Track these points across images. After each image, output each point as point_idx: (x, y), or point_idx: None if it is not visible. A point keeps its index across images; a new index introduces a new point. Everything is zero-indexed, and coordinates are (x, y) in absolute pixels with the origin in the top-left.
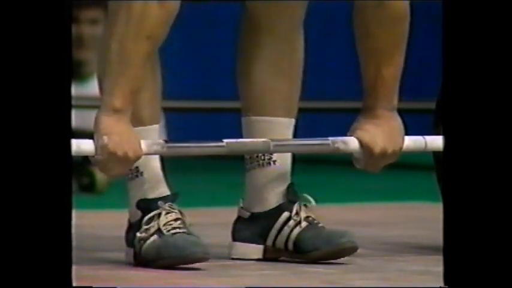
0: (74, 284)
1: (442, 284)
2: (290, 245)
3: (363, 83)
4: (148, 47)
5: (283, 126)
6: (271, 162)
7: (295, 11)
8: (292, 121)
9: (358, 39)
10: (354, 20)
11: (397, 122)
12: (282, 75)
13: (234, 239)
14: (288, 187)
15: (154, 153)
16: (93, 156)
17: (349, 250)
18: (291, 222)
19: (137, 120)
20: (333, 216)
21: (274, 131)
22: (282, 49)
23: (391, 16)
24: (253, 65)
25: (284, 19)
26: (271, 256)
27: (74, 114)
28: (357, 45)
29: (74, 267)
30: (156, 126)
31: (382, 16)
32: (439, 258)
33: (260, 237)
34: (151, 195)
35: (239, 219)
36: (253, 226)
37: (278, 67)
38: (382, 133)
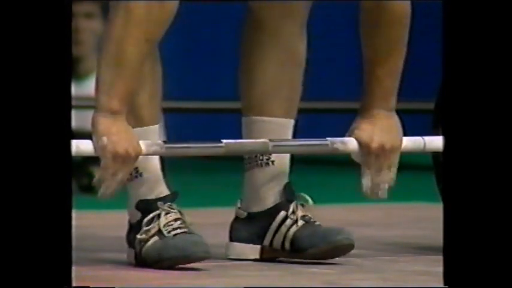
0: (74, 284)
1: (442, 284)
2: (287, 245)
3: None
4: (146, 48)
5: (283, 127)
6: (270, 163)
7: (299, 12)
8: (292, 122)
9: (361, 40)
10: (359, 23)
11: (394, 120)
12: (284, 76)
13: (231, 239)
14: (285, 186)
15: (153, 154)
16: (94, 157)
17: (346, 247)
18: (288, 221)
19: (137, 121)
20: (333, 216)
21: (274, 132)
22: (284, 50)
23: (388, 17)
24: (255, 65)
25: (287, 20)
26: (268, 256)
27: (73, 115)
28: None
29: (74, 268)
30: (156, 126)
31: (378, 17)
32: (439, 259)
33: (257, 237)
34: (150, 196)
35: (236, 219)
36: (251, 226)
37: (280, 68)
38: (378, 130)
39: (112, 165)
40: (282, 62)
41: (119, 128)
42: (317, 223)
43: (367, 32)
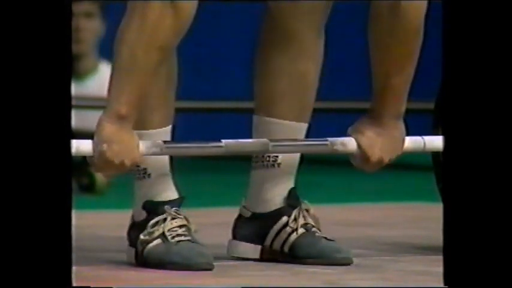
0: (74, 284)
1: (442, 284)
2: (286, 249)
3: (373, 88)
4: (159, 56)
5: (293, 130)
6: (276, 165)
7: (318, 14)
8: (304, 125)
9: (371, 47)
10: (368, 28)
11: (400, 131)
12: (299, 79)
13: (234, 237)
14: (290, 192)
15: (153, 154)
16: (90, 157)
17: (344, 264)
18: (288, 228)
19: (148, 123)
20: (333, 216)
21: (284, 134)
22: (301, 52)
23: (406, 27)
24: (270, 66)
25: (306, 22)
26: (267, 257)
27: (73, 115)
28: (370, 51)
29: (74, 268)
30: (167, 128)
31: (397, 26)
32: (439, 258)
33: (258, 237)
34: (158, 198)
35: (240, 217)
36: (253, 226)
37: (295, 71)
38: (382, 143)
39: (103, 169)
40: (297, 64)
41: (122, 137)
42: (317, 234)
43: (382, 41)
